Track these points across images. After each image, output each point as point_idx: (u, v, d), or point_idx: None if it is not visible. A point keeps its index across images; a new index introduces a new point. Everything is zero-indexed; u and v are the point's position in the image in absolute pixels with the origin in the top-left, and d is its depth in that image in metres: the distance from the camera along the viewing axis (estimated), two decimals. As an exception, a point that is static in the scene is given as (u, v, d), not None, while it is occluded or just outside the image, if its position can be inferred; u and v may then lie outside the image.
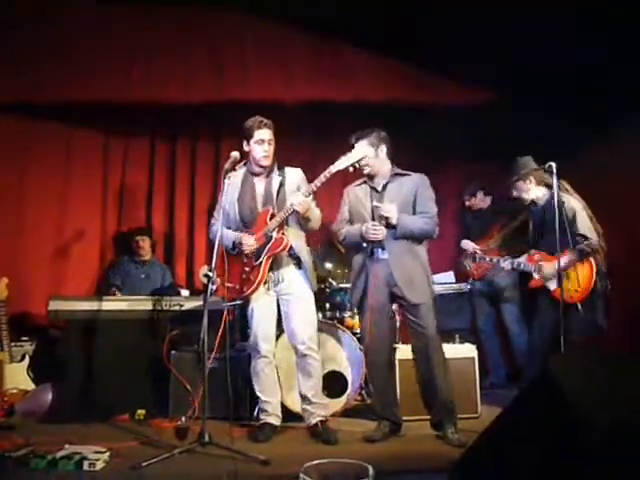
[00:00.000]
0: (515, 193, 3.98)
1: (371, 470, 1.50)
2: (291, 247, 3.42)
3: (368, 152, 3.32)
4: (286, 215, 3.33)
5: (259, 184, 3.52)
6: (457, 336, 4.05)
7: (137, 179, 5.40)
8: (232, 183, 3.52)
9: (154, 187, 5.43)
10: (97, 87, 4.65)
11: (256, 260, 3.40)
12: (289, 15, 4.76)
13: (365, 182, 3.53)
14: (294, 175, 3.54)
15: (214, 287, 3.45)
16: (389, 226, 3.30)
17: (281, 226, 3.37)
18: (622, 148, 4.52)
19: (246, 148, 3.49)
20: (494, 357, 4.88)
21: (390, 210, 3.28)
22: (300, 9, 4.63)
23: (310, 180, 3.42)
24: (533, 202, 3.94)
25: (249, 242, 3.39)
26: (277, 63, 4.93)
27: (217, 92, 4.83)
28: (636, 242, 4.47)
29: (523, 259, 3.96)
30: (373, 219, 3.37)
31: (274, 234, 3.36)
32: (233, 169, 3.33)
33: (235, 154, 3.25)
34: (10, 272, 4.20)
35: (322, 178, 3.24)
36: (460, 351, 3.89)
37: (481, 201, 5.13)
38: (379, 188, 3.46)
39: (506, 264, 4.02)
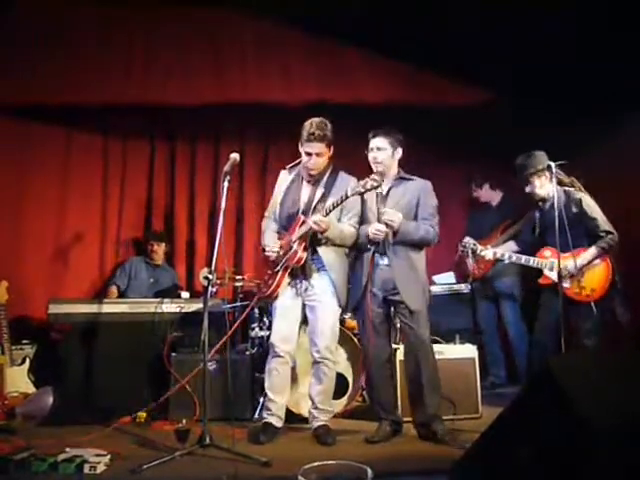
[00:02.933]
0: (528, 188, 3.91)
1: (369, 472, 1.50)
2: (319, 260, 3.41)
3: (380, 180, 3.21)
4: (306, 230, 3.31)
5: (305, 190, 3.50)
6: (457, 336, 4.04)
7: (136, 181, 5.40)
8: (280, 183, 3.60)
9: (154, 189, 5.42)
10: (96, 88, 4.64)
11: (275, 267, 3.42)
12: (288, 16, 4.76)
13: None
14: (342, 186, 3.41)
15: (214, 289, 3.48)
16: (391, 231, 3.32)
17: (303, 239, 3.34)
18: (622, 148, 4.51)
19: (300, 149, 3.45)
20: (495, 357, 4.86)
21: (394, 219, 3.29)
22: (299, 9, 4.62)
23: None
24: (543, 199, 3.89)
25: (272, 249, 3.44)
26: (277, 64, 4.91)
27: (216, 93, 4.81)
28: (636, 239, 4.47)
29: (511, 250, 3.99)
30: (379, 221, 3.37)
31: (295, 245, 3.35)
32: (233, 171, 3.31)
33: (234, 156, 3.24)
34: (10, 275, 4.19)
35: (338, 201, 3.25)
36: (460, 351, 3.89)
37: (486, 194, 5.09)
38: (384, 191, 3.46)
39: (488, 253, 4.00)
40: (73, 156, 5.22)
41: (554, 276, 3.73)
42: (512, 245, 4.16)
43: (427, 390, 3.33)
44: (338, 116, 4.91)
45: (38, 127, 5.04)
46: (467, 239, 4.36)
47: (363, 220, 3.48)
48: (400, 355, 3.71)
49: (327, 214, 3.27)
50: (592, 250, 3.64)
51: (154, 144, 5.46)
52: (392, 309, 3.49)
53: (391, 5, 4.43)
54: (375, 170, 3.44)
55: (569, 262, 3.55)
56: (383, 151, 3.41)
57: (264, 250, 3.52)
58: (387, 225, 3.30)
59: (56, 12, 4.59)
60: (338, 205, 3.27)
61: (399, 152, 3.46)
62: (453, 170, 5.49)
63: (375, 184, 3.15)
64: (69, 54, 4.63)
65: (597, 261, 3.68)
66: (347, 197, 3.23)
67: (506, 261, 4.08)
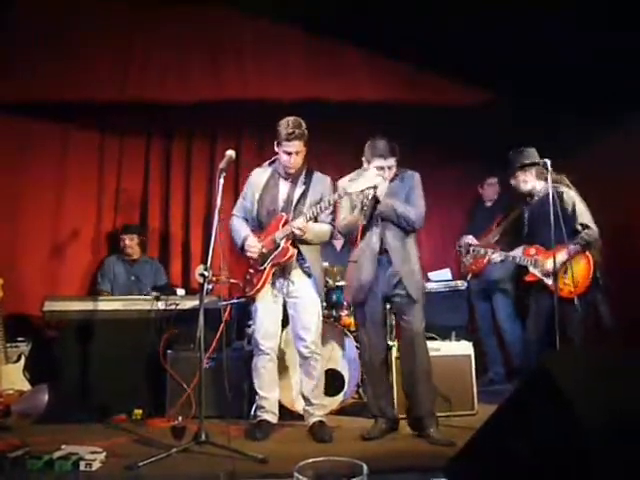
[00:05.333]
0: (513, 182, 3.99)
1: (365, 468, 1.50)
2: (302, 258, 3.44)
3: (380, 181, 3.21)
4: (290, 232, 3.33)
5: (283, 187, 3.52)
6: (453, 333, 4.04)
7: (132, 178, 5.37)
8: (256, 181, 3.58)
9: (149, 186, 5.40)
10: (93, 86, 4.64)
11: (261, 265, 3.42)
12: (287, 14, 4.75)
13: None
14: (320, 184, 3.51)
15: (210, 286, 3.47)
16: (375, 201, 3.31)
17: (289, 236, 3.37)
18: (622, 148, 4.51)
19: (276, 149, 3.48)
20: (492, 354, 4.88)
21: (378, 181, 3.25)
22: (298, 8, 4.61)
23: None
24: (529, 194, 3.94)
25: (254, 246, 3.43)
26: (275, 62, 4.91)
27: (214, 91, 4.81)
28: (636, 239, 4.47)
29: (519, 253, 3.97)
30: (377, 219, 3.38)
31: (282, 243, 3.37)
32: (230, 167, 3.32)
33: (230, 153, 3.24)
34: (5, 272, 4.16)
35: (333, 199, 3.28)
36: (456, 348, 3.89)
37: (491, 192, 5.13)
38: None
39: (495, 256, 4.05)
40: (69, 153, 5.19)
41: (538, 273, 3.80)
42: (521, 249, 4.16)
43: (422, 383, 3.33)
44: (337, 114, 4.95)
45: (35, 125, 5.02)
46: (462, 240, 4.41)
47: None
48: (396, 352, 3.71)
49: (309, 220, 3.31)
50: (570, 247, 3.66)
51: (150, 141, 5.44)
52: (389, 305, 3.48)
53: (391, 5, 4.42)
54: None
55: (550, 260, 3.59)
56: (393, 169, 3.42)
57: (242, 249, 3.51)
58: (373, 187, 3.27)
59: (55, 11, 4.58)
60: (329, 206, 3.32)
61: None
62: (453, 170, 5.49)
63: (374, 183, 3.16)
64: (67, 52, 4.62)
65: (578, 257, 3.70)
66: (344, 194, 3.25)
67: (504, 261, 4.12)
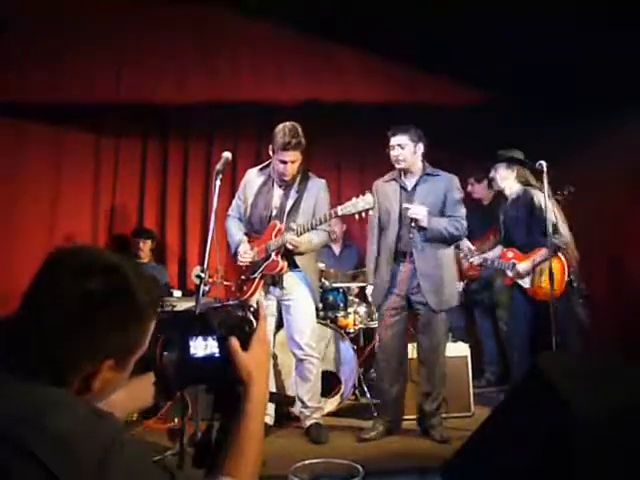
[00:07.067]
0: (491, 174, 3.95)
1: (361, 470, 1.49)
2: (295, 264, 3.42)
3: (372, 202, 3.15)
4: (282, 244, 3.31)
5: (277, 194, 3.48)
6: (450, 335, 4.03)
7: (129, 180, 5.35)
8: (250, 182, 3.55)
9: (146, 188, 5.38)
10: (88, 88, 4.63)
11: (252, 274, 3.42)
12: (283, 15, 4.74)
13: (395, 179, 3.51)
14: (314, 188, 3.46)
15: (206, 288, 3.45)
16: (419, 229, 3.32)
17: (281, 248, 3.35)
18: (621, 146, 4.52)
19: (270, 153, 3.43)
20: (490, 355, 4.87)
21: (419, 212, 3.29)
22: (294, 9, 4.60)
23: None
24: (503, 195, 3.92)
25: (246, 254, 3.42)
26: (270, 63, 4.91)
27: (209, 93, 4.80)
28: (632, 242, 4.48)
29: (496, 255, 3.97)
30: (401, 219, 3.38)
31: (273, 255, 3.35)
32: (230, 169, 3.33)
33: (227, 155, 3.20)
34: (0, 274, 4.15)
35: (327, 216, 3.25)
36: (453, 350, 3.87)
37: (482, 191, 5.02)
38: (409, 187, 3.47)
39: (474, 259, 4.04)
40: (65, 155, 5.16)
41: (515, 277, 3.81)
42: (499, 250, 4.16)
43: (436, 389, 3.39)
44: (333, 116, 4.95)
45: (30, 127, 4.98)
46: (462, 243, 4.39)
47: (384, 217, 3.47)
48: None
49: (301, 234, 3.27)
50: (541, 251, 3.64)
51: (146, 143, 5.42)
52: (412, 307, 3.46)
53: (389, 5, 4.42)
54: (399, 168, 3.43)
55: (523, 264, 3.67)
56: (404, 148, 3.39)
57: (235, 255, 3.51)
58: (415, 220, 3.30)
59: (49, 12, 4.56)
60: (322, 223, 3.28)
61: (421, 147, 3.45)
62: (452, 170, 5.47)
63: (367, 206, 3.13)
64: (62, 53, 4.61)
65: (551, 260, 3.67)
66: (336, 215, 3.24)
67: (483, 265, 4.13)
